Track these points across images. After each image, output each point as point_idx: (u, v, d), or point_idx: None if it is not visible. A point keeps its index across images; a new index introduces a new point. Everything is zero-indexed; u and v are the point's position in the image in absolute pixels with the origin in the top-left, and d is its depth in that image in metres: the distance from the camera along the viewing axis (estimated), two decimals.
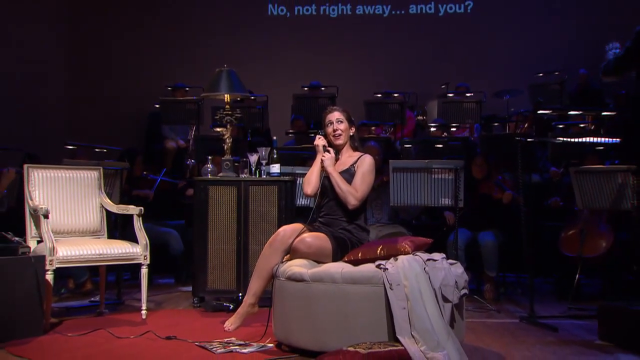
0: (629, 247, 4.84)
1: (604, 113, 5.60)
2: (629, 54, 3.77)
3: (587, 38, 7.98)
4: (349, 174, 3.66)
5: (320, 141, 3.75)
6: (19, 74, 7.74)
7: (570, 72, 7.54)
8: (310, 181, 3.70)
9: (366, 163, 3.67)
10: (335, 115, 3.76)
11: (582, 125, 6.35)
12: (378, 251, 3.34)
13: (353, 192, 3.58)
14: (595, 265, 5.09)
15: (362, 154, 3.76)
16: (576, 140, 5.59)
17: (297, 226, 3.58)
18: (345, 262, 3.42)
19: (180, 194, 6.27)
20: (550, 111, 6.63)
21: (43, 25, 8.54)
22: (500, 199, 5.38)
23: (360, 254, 3.41)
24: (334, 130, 3.74)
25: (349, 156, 3.77)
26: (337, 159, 3.75)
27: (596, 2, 8.58)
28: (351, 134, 3.80)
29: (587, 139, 5.39)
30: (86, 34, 9.05)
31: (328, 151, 3.71)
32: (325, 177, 3.67)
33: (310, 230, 3.57)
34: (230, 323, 3.68)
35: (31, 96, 7.93)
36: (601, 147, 5.39)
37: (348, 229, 3.62)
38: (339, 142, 3.75)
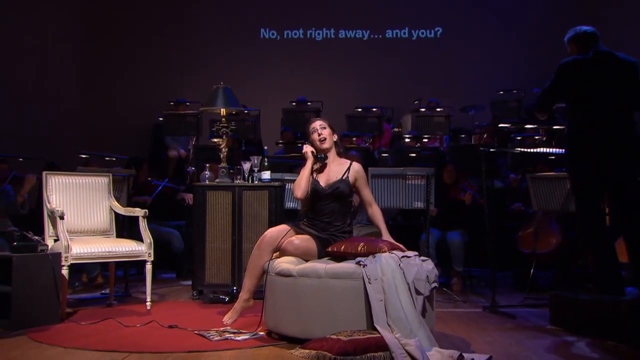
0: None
1: (554, 127, 5.66)
2: (555, 85, 3.64)
3: (541, 62, 8.07)
4: (344, 184, 3.61)
5: (308, 148, 3.70)
6: (38, 88, 7.69)
7: (526, 91, 7.63)
8: (301, 186, 3.61)
9: (362, 173, 3.70)
10: (318, 123, 3.72)
11: (536, 137, 6.44)
12: (359, 248, 3.35)
13: (374, 204, 3.72)
14: (547, 260, 5.14)
15: (348, 161, 3.72)
16: (532, 150, 5.67)
17: (282, 227, 3.56)
18: (329, 252, 3.45)
19: (176, 197, 6.24)
20: (510, 125, 6.71)
21: (64, 44, 8.51)
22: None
23: (343, 247, 3.42)
24: (319, 135, 3.67)
25: (337, 164, 3.70)
26: (325, 165, 3.70)
27: (550, 30, 8.67)
28: (334, 140, 3.74)
29: (541, 149, 5.45)
30: (98, 54, 9.02)
31: (319, 157, 3.67)
32: (315, 182, 3.63)
33: (296, 231, 3.56)
34: (229, 317, 3.63)
35: (50, 110, 7.88)
36: (552, 157, 5.46)
37: (333, 231, 3.58)
38: (325, 145, 3.67)
